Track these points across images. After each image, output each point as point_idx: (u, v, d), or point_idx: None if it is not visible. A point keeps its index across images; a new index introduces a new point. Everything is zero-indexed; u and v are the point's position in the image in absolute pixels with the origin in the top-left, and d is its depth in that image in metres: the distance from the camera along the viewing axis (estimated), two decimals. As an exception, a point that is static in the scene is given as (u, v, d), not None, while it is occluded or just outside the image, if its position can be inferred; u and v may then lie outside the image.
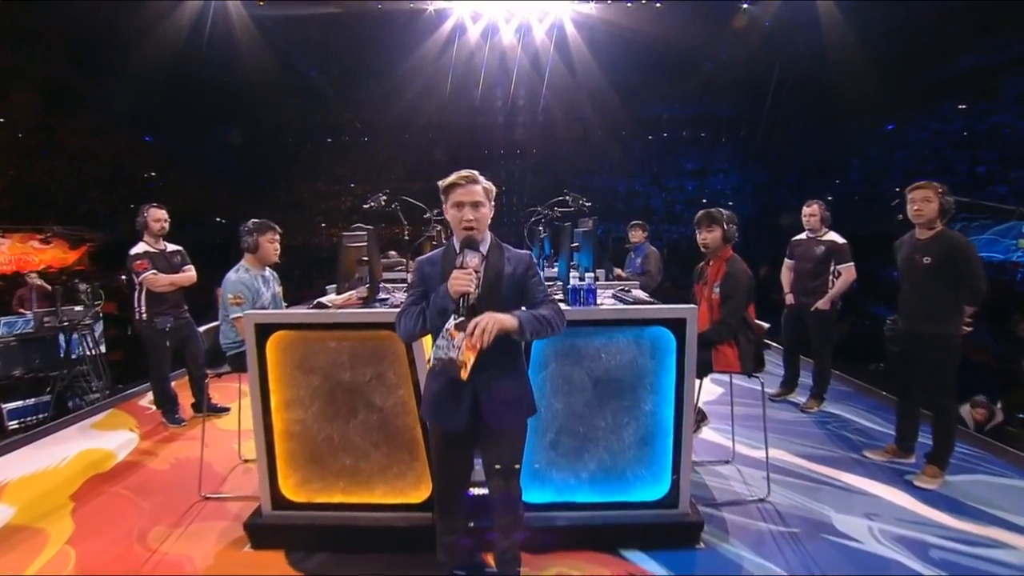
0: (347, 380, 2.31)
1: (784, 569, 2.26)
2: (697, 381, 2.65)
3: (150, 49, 7.68)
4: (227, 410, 4.08)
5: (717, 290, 2.65)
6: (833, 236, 3.79)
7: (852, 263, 3.71)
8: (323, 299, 2.53)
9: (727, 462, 3.13)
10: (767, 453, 2.81)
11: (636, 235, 4.78)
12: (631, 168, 10.49)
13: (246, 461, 3.25)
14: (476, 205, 1.76)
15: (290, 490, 2.44)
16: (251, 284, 2.78)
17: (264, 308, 2.79)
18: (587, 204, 2.74)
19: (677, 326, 2.25)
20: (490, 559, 2.25)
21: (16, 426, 4.63)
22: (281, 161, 10.61)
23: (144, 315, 3.60)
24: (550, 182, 9.80)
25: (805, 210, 3.86)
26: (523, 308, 1.75)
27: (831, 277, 3.77)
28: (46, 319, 4.95)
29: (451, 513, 1.95)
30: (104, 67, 8.26)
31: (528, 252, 1.85)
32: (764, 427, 2.80)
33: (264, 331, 2.30)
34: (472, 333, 1.57)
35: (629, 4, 8.52)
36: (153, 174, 10.47)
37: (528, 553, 2.25)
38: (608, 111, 9.78)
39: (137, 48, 7.70)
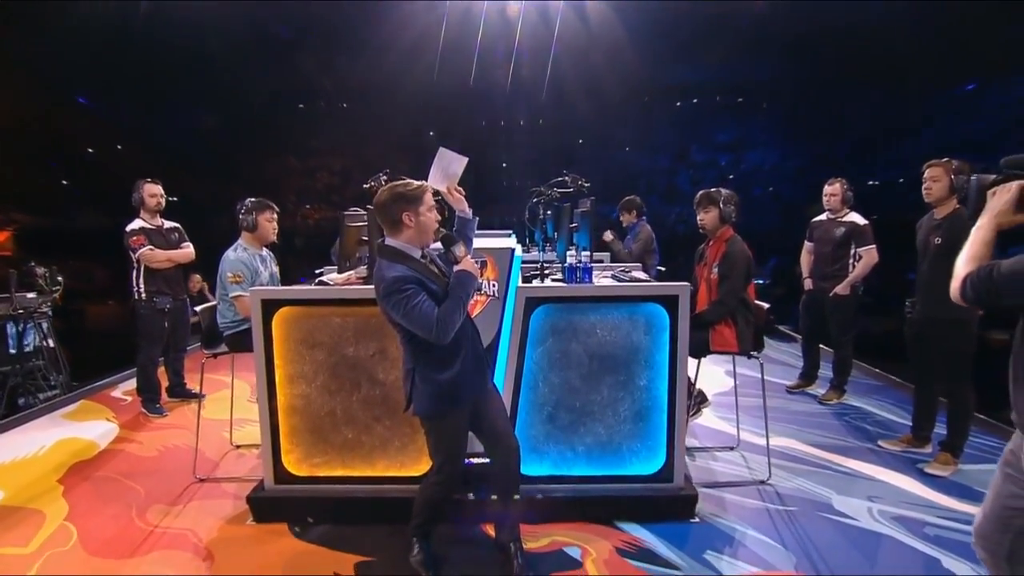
0: (351, 355, 2.93)
1: (777, 541, 2.88)
2: (695, 361, 3.29)
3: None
4: (200, 396, 4.74)
5: (716, 271, 3.27)
6: (854, 217, 4.40)
7: (874, 245, 4.31)
8: (324, 278, 3.16)
9: (731, 448, 3.76)
10: (767, 436, 3.43)
11: (627, 217, 5.35)
12: (654, 141, 10.96)
13: (238, 447, 3.90)
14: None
15: (292, 464, 3.07)
16: (250, 263, 3.42)
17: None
18: (586, 185, 3.36)
19: (670, 303, 2.87)
20: (489, 529, 2.88)
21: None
22: (245, 132, 10.94)
23: (143, 294, 4.30)
24: (560, 158, 10.32)
25: (826, 188, 4.47)
26: None
27: (852, 260, 4.38)
28: (-6, 307, 5.49)
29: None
30: (30, 19, 8.52)
31: None
32: (764, 409, 3.42)
33: (270, 307, 2.92)
34: None
35: (654, -53, 8.99)
36: (91, 150, 10.81)
37: (525, 524, 2.87)
38: (628, 74, 10.10)
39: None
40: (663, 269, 4.30)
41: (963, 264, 1.73)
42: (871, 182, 10.06)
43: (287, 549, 2.86)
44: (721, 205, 3.33)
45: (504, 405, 2.67)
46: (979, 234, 1.74)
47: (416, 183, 2.34)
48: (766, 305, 3.32)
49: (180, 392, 4.78)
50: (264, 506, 3.06)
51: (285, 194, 10.36)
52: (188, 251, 4.46)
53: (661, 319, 2.90)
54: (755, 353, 3.31)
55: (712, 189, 3.38)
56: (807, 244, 4.64)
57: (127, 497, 3.38)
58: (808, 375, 4.78)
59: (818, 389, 4.77)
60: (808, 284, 4.61)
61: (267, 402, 3.00)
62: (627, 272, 3.32)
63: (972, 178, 1.84)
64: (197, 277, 4.78)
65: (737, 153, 11.06)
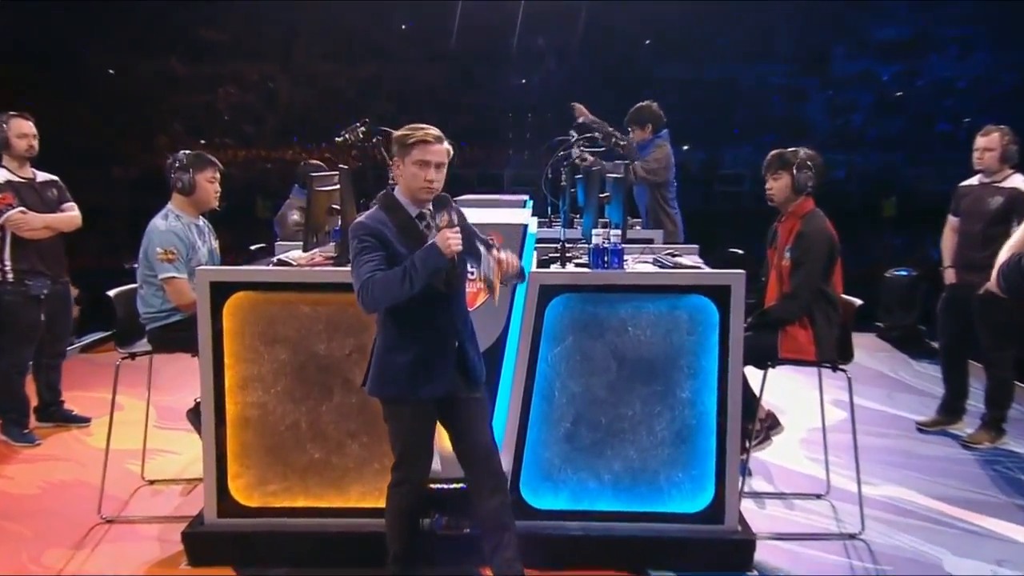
0: (322, 353, 4.30)
1: (857, 603, 4.19)
2: (760, 371, 4.64)
3: None
4: (87, 421, 6.13)
5: (788, 255, 4.59)
6: (1017, 181, 5.57)
7: None
8: (284, 256, 4.55)
9: (818, 496, 5.10)
10: (858, 477, 4.75)
11: (639, 132, 6.45)
12: (767, 44, 11.66)
13: (152, 482, 5.31)
14: (440, 167, 3.56)
15: (241, 492, 4.44)
16: (185, 235, 4.80)
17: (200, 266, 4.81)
18: (622, 143, 4.68)
19: (720, 295, 4.19)
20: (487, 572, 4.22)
21: None
22: (95, 15, 11.43)
23: (10, 274, 5.64)
24: (610, 77, 11.20)
25: (979, 140, 5.65)
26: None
27: (1013, 244, 5.65)
28: None
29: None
30: None
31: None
32: (854, 440, 4.74)
33: (221, 291, 4.29)
34: (501, 261, 3.44)
35: None
36: None
37: (534, 569, 4.15)
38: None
39: None
40: (740, 251, 5.57)
41: (1005, 252, 2.93)
42: None
43: (236, 593, 4.21)
44: (795, 170, 4.62)
45: (488, 423, 3.88)
46: None
47: (425, 133, 3.49)
48: (858, 301, 4.64)
49: (56, 413, 6.17)
50: (203, 545, 4.42)
51: (166, 121, 11.10)
52: (72, 215, 5.86)
53: (709, 315, 4.24)
54: (842, 365, 4.64)
55: (787, 150, 4.68)
56: (951, 219, 5.88)
57: (9, 540, 4.70)
58: (950, 407, 6.03)
59: (967, 429, 6.07)
60: (950, 276, 5.83)
61: (212, 413, 4.37)
62: (673, 256, 4.66)
63: None
64: None
65: (911, 61, 11.61)
